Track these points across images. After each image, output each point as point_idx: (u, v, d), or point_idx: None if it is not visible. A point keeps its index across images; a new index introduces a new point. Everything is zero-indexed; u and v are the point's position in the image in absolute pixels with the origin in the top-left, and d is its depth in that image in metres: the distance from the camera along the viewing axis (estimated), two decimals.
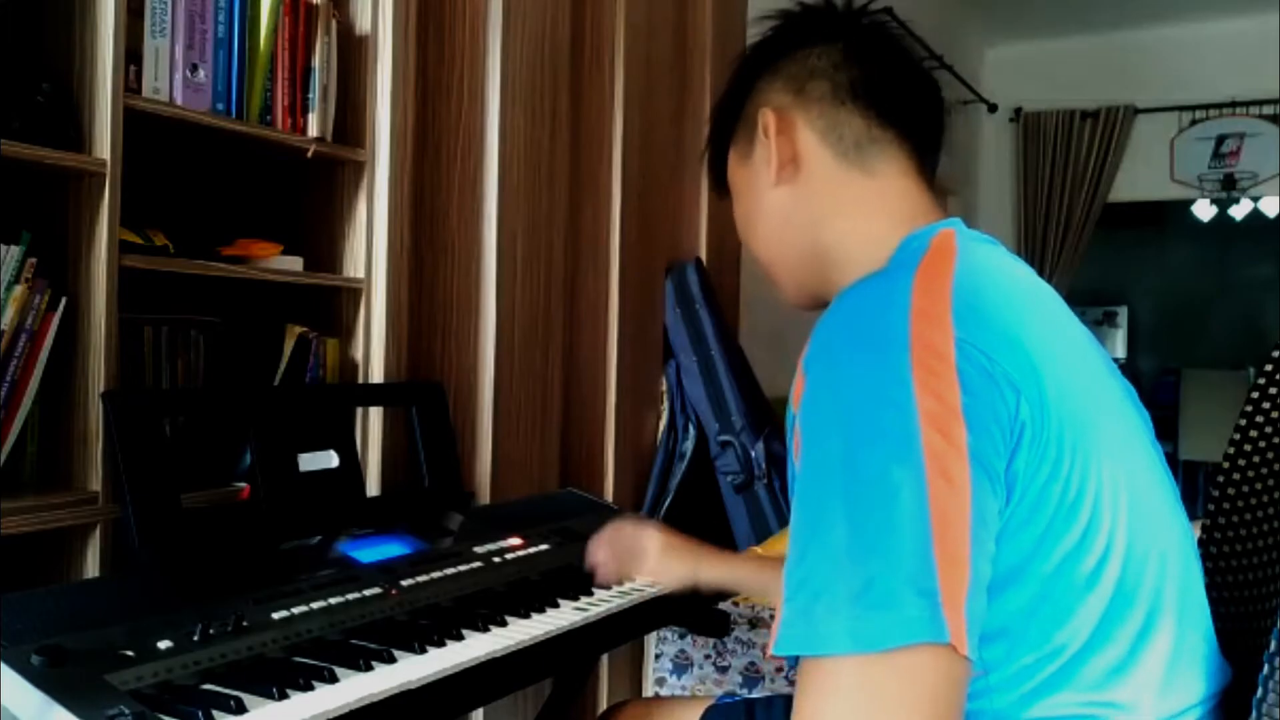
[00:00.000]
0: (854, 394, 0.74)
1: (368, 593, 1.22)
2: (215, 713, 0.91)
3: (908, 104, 1.00)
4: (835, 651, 0.69)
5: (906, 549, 0.69)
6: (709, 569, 1.38)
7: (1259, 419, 1.00)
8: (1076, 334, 0.90)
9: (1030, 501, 0.76)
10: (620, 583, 1.41)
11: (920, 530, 0.69)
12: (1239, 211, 5.63)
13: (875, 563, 0.69)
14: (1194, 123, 5.40)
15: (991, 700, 0.80)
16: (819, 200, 0.99)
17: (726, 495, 2.43)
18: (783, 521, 2.42)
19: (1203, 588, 0.90)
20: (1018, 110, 5.67)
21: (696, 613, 1.61)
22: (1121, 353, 7.21)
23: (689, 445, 2.43)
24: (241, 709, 0.92)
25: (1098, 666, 0.80)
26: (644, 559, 1.40)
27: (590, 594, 1.37)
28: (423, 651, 1.12)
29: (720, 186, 1.12)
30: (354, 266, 1.67)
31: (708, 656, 2.22)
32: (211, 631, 1.04)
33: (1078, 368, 0.85)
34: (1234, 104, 5.25)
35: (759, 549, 2.28)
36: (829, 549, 0.71)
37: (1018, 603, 0.78)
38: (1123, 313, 7.29)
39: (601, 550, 1.42)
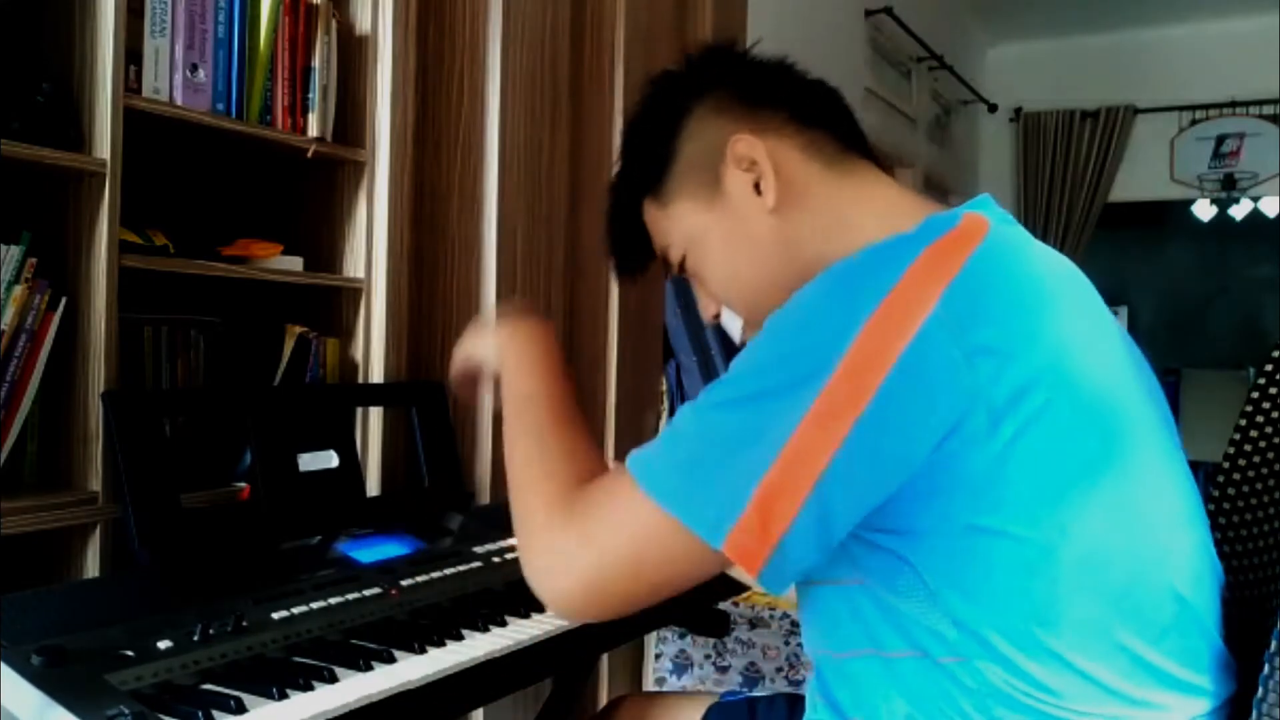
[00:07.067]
0: (805, 323, 0.79)
1: (368, 593, 1.22)
2: (215, 713, 0.91)
3: (846, 122, 0.99)
4: (645, 486, 0.79)
5: (743, 462, 0.76)
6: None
7: (1259, 419, 1.00)
8: (1107, 330, 0.88)
9: (1003, 484, 0.77)
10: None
11: (764, 456, 0.75)
12: (1239, 211, 5.63)
13: (718, 454, 0.77)
14: (1194, 123, 5.40)
15: (989, 691, 0.81)
16: (827, 211, 0.95)
17: None
18: None
19: (1217, 592, 0.89)
20: (1018, 110, 5.67)
21: (696, 612, 1.61)
22: None
23: None
24: (241, 709, 0.92)
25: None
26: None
27: None
28: (423, 651, 1.12)
29: (639, 263, 1.06)
30: (354, 266, 1.67)
31: (707, 656, 2.23)
32: (211, 631, 1.04)
33: (1098, 365, 0.83)
34: (1234, 104, 5.25)
35: None
36: (705, 416, 0.80)
37: (1007, 583, 0.79)
38: (1123, 313, 7.27)
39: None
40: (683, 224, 1.00)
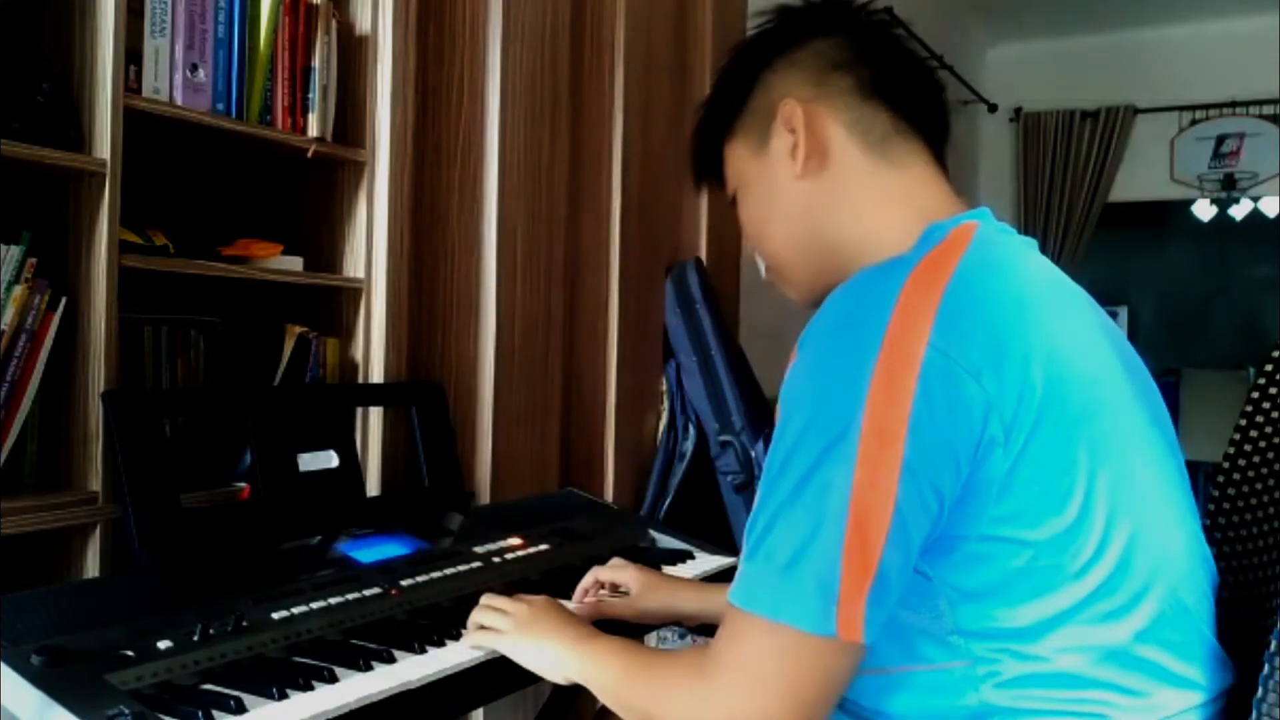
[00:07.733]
0: (818, 384, 0.81)
1: (368, 593, 1.22)
2: (215, 713, 0.91)
3: (923, 101, 1.01)
4: (756, 611, 0.80)
5: (820, 544, 0.77)
6: (685, 599, 1.35)
7: (1259, 419, 1.00)
8: (1092, 332, 0.90)
9: (1013, 491, 0.79)
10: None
11: (835, 530, 0.77)
12: (1239, 211, 5.63)
13: (798, 547, 0.78)
14: (1194, 123, 5.40)
15: (990, 692, 0.82)
16: (845, 193, 0.98)
17: (726, 495, 2.43)
18: None
19: (1209, 587, 0.91)
20: (1018, 110, 5.67)
21: None
22: None
23: (689, 445, 2.42)
24: (241, 709, 0.93)
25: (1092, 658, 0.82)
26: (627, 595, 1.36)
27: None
28: (423, 651, 1.12)
29: (705, 179, 1.11)
30: (354, 266, 1.67)
31: None
32: (211, 631, 1.04)
33: (1084, 367, 0.85)
34: (1234, 104, 5.25)
35: None
36: (775, 521, 0.80)
37: (1009, 597, 0.81)
38: (1123, 313, 7.27)
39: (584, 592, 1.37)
40: (736, 164, 1.05)
